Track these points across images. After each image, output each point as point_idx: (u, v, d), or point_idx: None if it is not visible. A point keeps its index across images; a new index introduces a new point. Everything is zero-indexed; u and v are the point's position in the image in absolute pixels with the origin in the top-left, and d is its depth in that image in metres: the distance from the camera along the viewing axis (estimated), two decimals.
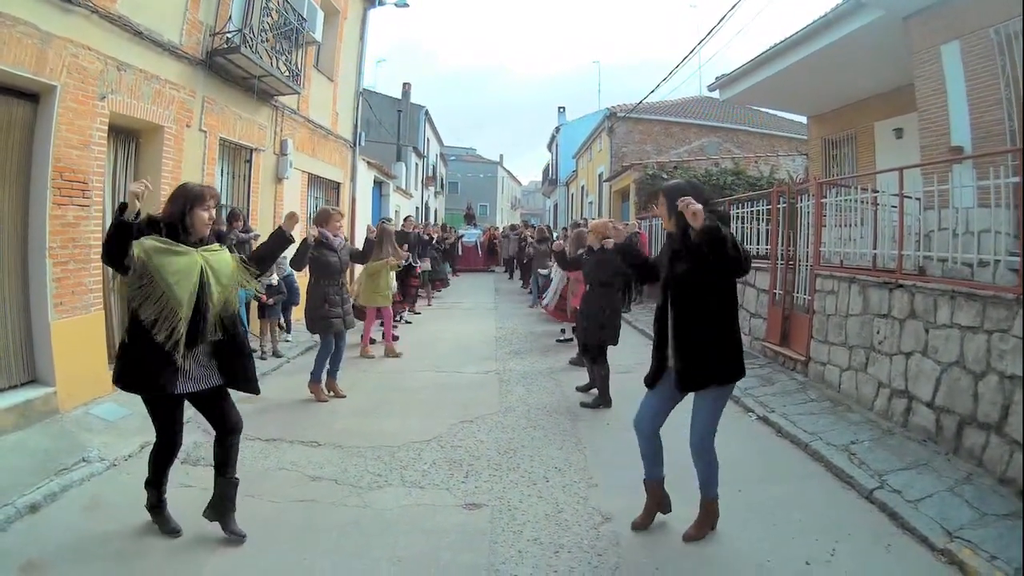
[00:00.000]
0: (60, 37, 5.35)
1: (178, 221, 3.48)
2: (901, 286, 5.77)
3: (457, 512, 4.21)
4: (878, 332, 6.04)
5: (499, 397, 6.97)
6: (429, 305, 14.54)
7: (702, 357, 3.63)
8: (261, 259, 4.00)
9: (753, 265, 8.99)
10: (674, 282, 3.71)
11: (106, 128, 6.00)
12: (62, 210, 5.49)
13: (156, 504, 3.80)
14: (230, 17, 7.93)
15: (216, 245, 3.67)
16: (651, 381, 3.94)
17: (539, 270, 14.62)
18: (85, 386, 5.74)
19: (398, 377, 7.83)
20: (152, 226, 3.43)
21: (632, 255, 4.24)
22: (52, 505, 4.10)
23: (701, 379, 3.67)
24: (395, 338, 9.61)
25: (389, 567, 3.51)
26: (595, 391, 6.76)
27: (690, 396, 3.79)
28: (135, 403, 5.83)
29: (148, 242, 3.34)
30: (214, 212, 3.66)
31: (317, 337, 6.98)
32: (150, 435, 5.23)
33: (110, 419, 5.52)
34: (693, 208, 3.31)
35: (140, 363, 3.43)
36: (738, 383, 6.86)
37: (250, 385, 3.75)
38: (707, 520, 3.88)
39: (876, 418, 5.82)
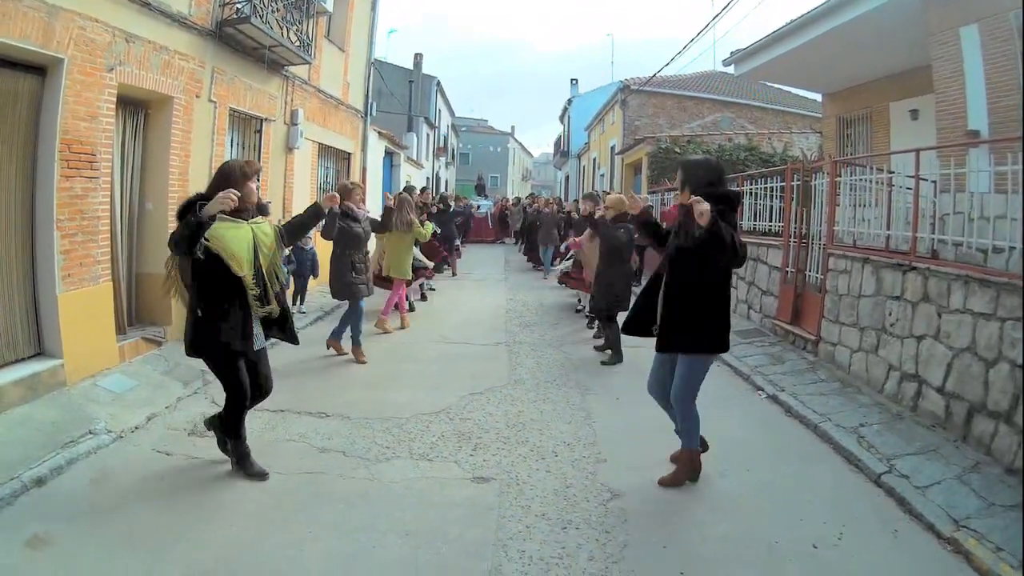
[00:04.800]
0: (67, 10, 5.27)
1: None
2: (915, 268, 5.70)
3: (465, 486, 4.23)
4: (890, 314, 5.99)
5: (508, 369, 6.97)
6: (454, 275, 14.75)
7: (679, 325, 3.98)
8: (293, 230, 4.40)
9: (765, 242, 8.97)
10: (672, 252, 4.02)
11: (114, 100, 5.94)
12: (70, 182, 5.45)
13: (243, 453, 4.22)
14: None
15: (260, 218, 4.14)
16: (629, 327, 4.41)
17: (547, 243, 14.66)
18: (92, 358, 5.75)
19: (407, 348, 7.83)
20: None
21: (651, 226, 4.44)
22: (59, 478, 4.10)
23: (675, 345, 4.05)
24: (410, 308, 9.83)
25: (397, 540, 3.53)
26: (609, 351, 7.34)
27: None
28: (142, 375, 6.00)
29: (217, 228, 3.77)
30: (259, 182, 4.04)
31: (325, 308, 7.15)
32: (156, 406, 5.41)
33: (117, 391, 5.54)
34: (700, 208, 3.50)
35: (217, 330, 3.87)
36: (748, 361, 6.96)
37: (292, 336, 4.35)
38: (684, 469, 4.22)
39: (885, 401, 5.78)
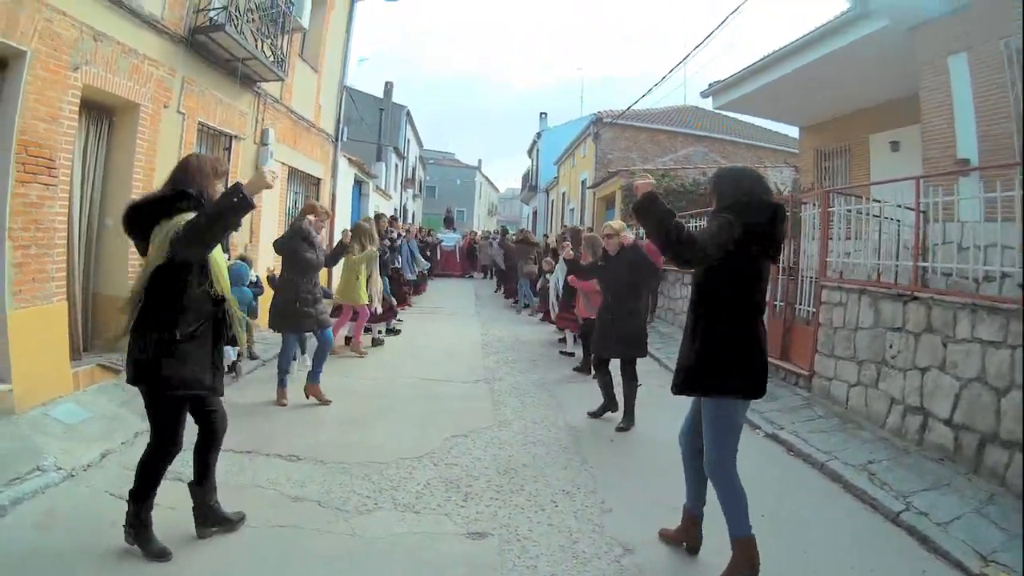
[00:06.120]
0: None
1: (201, 195, 3.27)
2: (917, 298, 5.57)
3: (460, 542, 3.77)
4: (891, 346, 5.83)
5: (493, 409, 6.54)
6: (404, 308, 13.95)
7: (684, 358, 3.43)
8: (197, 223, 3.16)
9: None
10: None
11: (78, 101, 5.52)
12: (25, 188, 5.00)
13: (141, 522, 3.33)
14: None
15: None
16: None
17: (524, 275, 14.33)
18: (44, 384, 5.23)
19: (382, 385, 7.36)
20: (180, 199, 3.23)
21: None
22: (3, 520, 3.62)
23: (685, 383, 3.44)
24: (380, 342, 9.51)
25: None
26: (609, 413, 6.30)
27: None
28: (97, 406, 5.51)
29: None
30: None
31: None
32: (111, 442, 4.93)
33: (69, 422, 5.04)
34: (638, 183, 3.30)
35: (189, 360, 3.24)
36: None
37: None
38: (738, 563, 3.29)
39: (889, 436, 5.61)
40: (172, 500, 3.77)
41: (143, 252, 3.26)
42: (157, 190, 3.36)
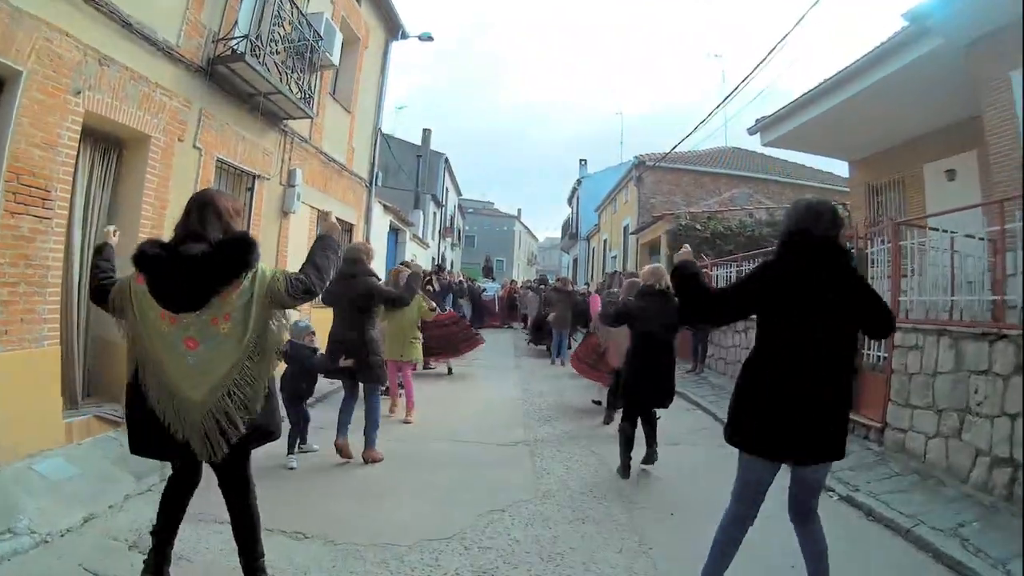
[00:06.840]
0: (32, 15, 4.64)
1: None
2: (1005, 336, 4.92)
3: None
4: (976, 392, 5.17)
5: (534, 477, 5.75)
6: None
7: None
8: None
9: None
10: None
11: (78, 129, 5.20)
12: (16, 219, 4.65)
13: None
14: (236, 23, 7.18)
15: None
16: None
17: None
18: (31, 434, 4.78)
19: (409, 448, 6.56)
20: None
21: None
22: None
23: None
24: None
25: None
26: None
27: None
28: (88, 462, 4.99)
29: None
30: None
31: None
32: (97, 504, 4.39)
33: (54, 479, 4.58)
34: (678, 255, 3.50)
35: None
36: None
37: None
38: None
39: (973, 492, 4.97)
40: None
41: (183, 306, 2.81)
42: (208, 237, 2.87)
